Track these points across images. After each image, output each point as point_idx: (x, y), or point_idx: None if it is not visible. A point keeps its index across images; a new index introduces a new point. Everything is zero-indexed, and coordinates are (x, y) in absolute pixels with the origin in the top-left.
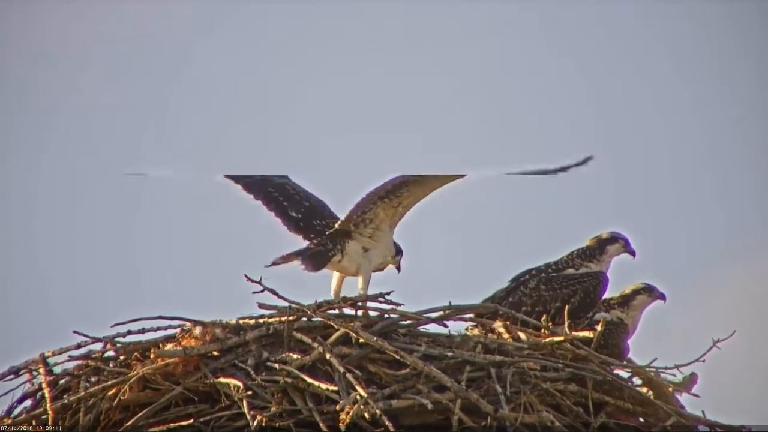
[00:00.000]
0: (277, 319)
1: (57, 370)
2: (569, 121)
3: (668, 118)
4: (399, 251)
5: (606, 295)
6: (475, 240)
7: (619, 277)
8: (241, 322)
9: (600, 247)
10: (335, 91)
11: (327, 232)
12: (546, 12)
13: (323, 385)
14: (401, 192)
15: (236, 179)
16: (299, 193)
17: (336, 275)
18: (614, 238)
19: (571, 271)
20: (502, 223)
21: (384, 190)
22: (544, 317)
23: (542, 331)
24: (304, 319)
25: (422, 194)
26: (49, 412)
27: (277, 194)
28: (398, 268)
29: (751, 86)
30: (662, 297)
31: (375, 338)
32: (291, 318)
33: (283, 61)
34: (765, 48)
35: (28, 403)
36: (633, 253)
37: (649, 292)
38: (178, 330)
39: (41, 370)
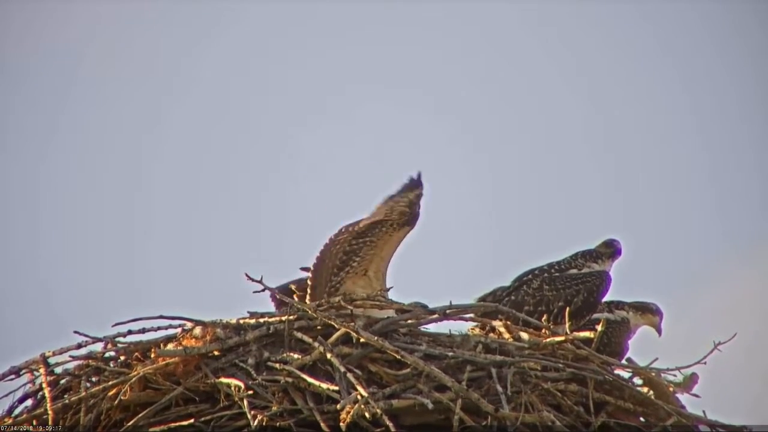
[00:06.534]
0: (278, 318)
1: (58, 370)
2: (569, 124)
3: (668, 120)
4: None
5: (617, 298)
6: (476, 240)
7: (624, 285)
8: (241, 321)
9: (611, 254)
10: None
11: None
12: (545, 10)
13: (324, 385)
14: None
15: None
16: None
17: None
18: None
19: (574, 271)
20: (503, 224)
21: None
22: (545, 317)
23: (543, 331)
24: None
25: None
26: (50, 412)
27: None
28: None
29: (751, 90)
30: (659, 332)
31: (376, 338)
32: (291, 317)
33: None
34: (765, 50)
35: (29, 402)
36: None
37: (659, 321)
38: (178, 330)
39: (42, 370)
